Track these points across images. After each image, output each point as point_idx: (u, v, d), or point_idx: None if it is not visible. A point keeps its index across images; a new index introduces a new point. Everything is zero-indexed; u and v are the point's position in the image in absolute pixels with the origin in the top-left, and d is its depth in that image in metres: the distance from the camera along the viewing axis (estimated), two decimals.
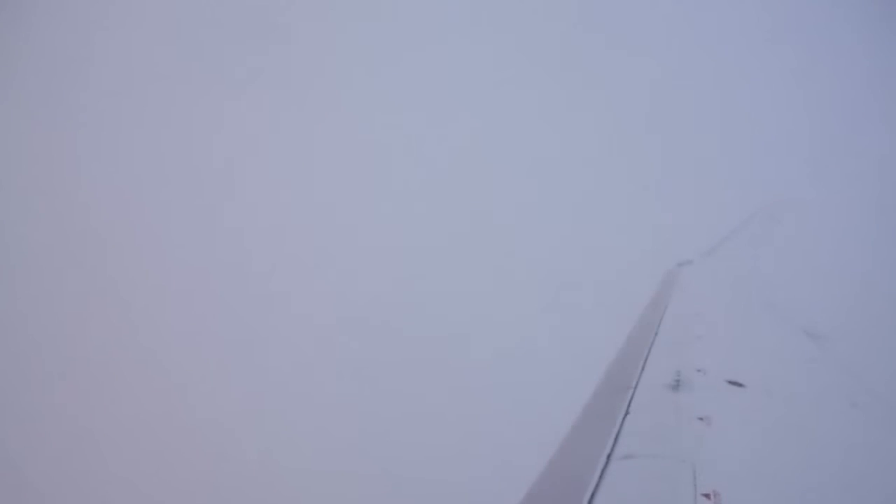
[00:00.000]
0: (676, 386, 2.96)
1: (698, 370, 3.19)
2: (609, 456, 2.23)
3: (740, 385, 3.04)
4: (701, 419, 2.55)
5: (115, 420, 16.01)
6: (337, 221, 38.41)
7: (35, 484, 13.77)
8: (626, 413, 2.64)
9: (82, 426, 15.77)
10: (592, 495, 1.97)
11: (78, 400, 16.82)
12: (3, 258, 26.83)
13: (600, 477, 2.08)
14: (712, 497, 1.92)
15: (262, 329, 22.72)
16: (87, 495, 13.56)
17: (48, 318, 22.29)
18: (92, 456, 14.66)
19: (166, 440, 15.34)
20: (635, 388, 2.95)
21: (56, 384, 17.78)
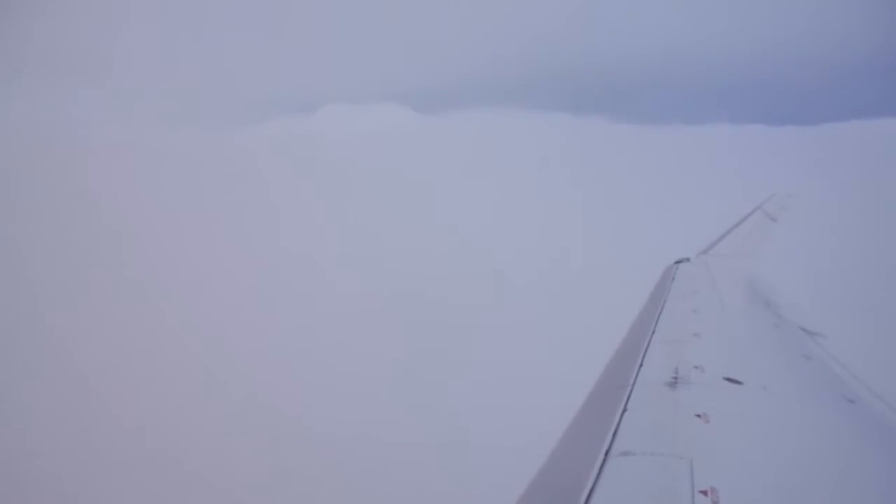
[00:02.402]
0: (674, 383, 2.96)
1: (696, 367, 3.19)
2: (607, 453, 2.23)
3: (738, 382, 3.04)
4: (699, 416, 2.55)
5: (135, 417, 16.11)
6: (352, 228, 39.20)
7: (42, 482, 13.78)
8: (624, 410, 2.64)
9: (88, 425, 15.81)
10: (590, 492, 1.97)
11: (86, 399, 16.87)
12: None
13: (598, 474, 2.08)
14: (710, 494, 1.92)
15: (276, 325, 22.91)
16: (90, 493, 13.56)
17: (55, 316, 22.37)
18: (98, 455, 14.68)
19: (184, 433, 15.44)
20: (633, 385, 2.95)
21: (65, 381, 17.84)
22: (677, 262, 6.59)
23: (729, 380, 3.05)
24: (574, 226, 39.33)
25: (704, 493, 1.92)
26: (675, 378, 3.02)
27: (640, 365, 3.26)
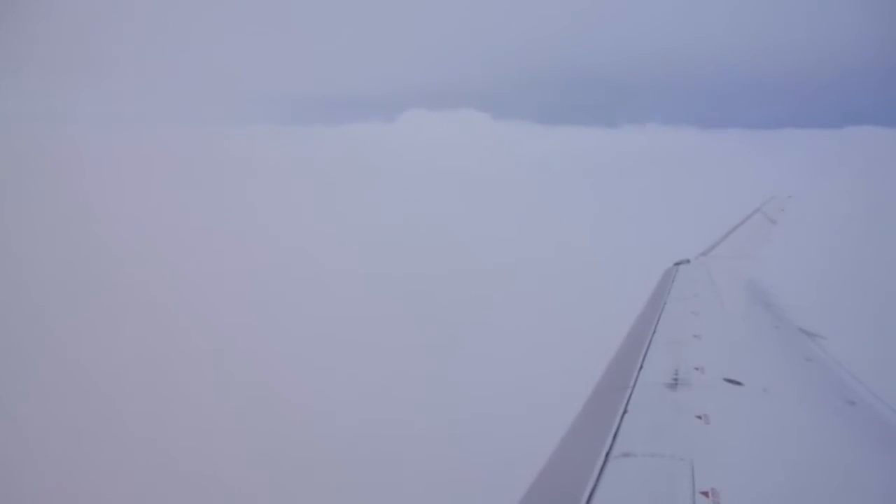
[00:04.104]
0: (674, 384, 2.96)
1: (696, 368, 3.19)
2: (608, 454, 2.24)
3: (738, 383, 3.04)
4: (699, 417, 2.55)
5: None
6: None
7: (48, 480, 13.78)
8: (625, 411, 2.64)
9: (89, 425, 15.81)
10: (591, 493, 1.97)
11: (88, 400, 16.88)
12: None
13: (599, 475, 2.08)
14: (711, 495, 1.93)
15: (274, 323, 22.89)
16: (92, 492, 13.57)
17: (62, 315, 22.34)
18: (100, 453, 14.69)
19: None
20: (633, 386, 2.96)
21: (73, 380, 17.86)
22: (677, 264, 6.57)
23: (729, 381, 3.05)
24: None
25: (705, 494, 1.92)
26: (676, 379, 3.02)
27: (641, 366, 3.26)
